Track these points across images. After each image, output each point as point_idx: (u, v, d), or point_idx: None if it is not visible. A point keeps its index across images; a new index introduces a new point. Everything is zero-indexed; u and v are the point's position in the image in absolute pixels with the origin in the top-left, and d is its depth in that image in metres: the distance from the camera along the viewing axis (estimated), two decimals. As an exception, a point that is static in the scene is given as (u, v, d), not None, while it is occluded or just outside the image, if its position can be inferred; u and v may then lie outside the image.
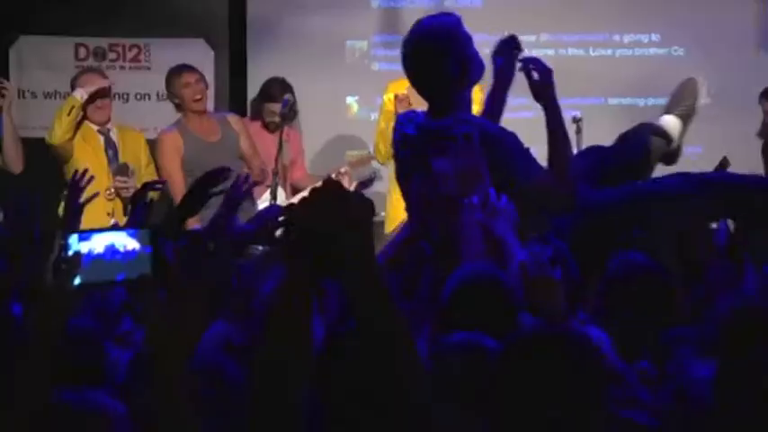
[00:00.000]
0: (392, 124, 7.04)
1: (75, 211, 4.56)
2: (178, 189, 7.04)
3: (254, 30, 8.79)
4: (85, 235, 2.47)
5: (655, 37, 8.72)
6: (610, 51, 8.74)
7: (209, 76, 8.28)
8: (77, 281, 2.43)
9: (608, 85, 8.32)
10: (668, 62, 8.55)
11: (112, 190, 7.34)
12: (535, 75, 4.73)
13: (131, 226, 2.64)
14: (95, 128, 7.46)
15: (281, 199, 7.41)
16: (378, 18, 8.52)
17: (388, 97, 7.30)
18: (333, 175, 7.67)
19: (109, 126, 7.52)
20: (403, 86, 7.14)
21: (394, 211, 6.59)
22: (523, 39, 8.63)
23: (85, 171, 4.86)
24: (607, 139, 8.05)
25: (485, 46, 8.73)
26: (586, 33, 8.73)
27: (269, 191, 7.34)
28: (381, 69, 7.67)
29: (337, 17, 8.75)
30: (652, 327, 3.54)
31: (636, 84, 7.99)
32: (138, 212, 4.69)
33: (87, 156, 7.29)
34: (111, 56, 8.78)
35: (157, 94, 8.51)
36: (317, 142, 8.45)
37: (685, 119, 5.63)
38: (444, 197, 4.23)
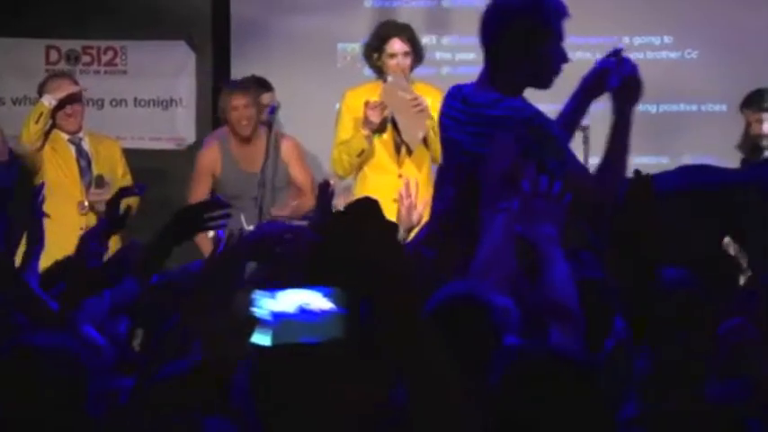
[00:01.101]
0: (364, 132, 6.87)
1: (37, 228, 4.21)
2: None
3: (239, 31, 8.58)
4: (276, 292, 2.40)
5: (667, 39, 8.54)
6: (619, 55, 8.40)
7: (191, 80, 8.23)
8: (266, 341, 2.38)
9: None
10: (682, 65, 8.41)
11: (86, 204, 7.24)
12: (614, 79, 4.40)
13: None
14: (66, 137, 7.35)
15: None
16: (371, 19, 8.22)
17: (350, 104, 7.00)
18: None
19: (81, 135, 7.38)
20: (365, 93, 6.86)
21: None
22: (526, 41, 8.58)
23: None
24: None
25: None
26: (594, 36, 8.46)
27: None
28: (374, 74, 7.32)
29: (328, 18, 8.54)
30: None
31: (648, 89, 7.43)
32: (101, 224, 4.36)
33: (57, 167, 7.24)
34: (85, 59, 8.57)
35: (135, 100, 8.42)
36: (305, 150, 8.07)
37: None
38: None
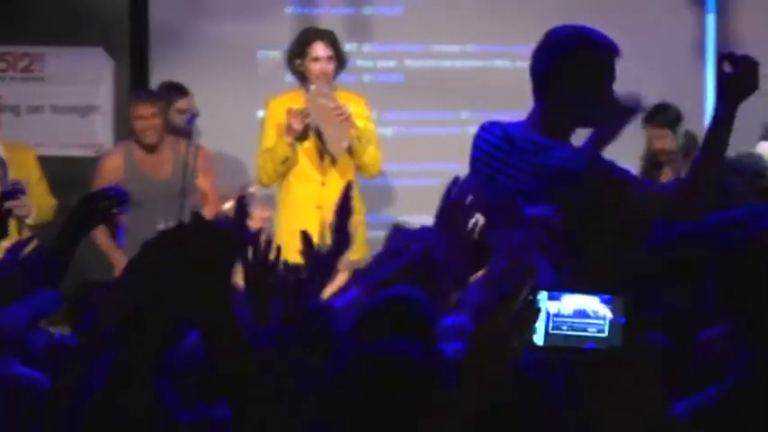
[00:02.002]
0: (287, 140, 6.84)
1: None
2: None
3: (158, 37, 8.51)
4: (556, 294, 2.32)
5: (586, 48, 8.46)
6: (538, 63, 8.42)
7: (109, 87, 8.14)
8: (540, 342, 2.30)
9: (536, 98, 7.96)
10: None
11: (1, 211, 6.94)
12: (728, 68, 3.98)
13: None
14: (-22, 146, 7.26)
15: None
16: (292, 26, 8.16)
17: (273, 112, 6.98)
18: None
19: (-6, 143, 7.31)
20: (287, 102, 6.84)
21: (285, 237, 6.08)
22: (447, 49, 8.61)
23: None
24: None
25: (405, 56, 8.60)
26: (513, 44, 8.49)
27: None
28: (294, 82, 7.28)
29: (248, 25, 8.49)
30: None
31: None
32: None
33: (-29, 176, 7.11)
34: (1, 65, 8.45)
35: (52, 107, 8.32)
36: (224, 159, 8.03)
37: None
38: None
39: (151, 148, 7.21)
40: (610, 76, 4.04)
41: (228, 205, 6.56)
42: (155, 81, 8.16)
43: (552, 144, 3.91)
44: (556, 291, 2.32)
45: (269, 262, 3.54)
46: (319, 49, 6.90)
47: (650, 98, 7.76)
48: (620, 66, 4.11)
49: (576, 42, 4.07)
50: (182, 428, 2.68)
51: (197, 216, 2.29)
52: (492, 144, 4.08)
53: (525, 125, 4.07)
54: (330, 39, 6.96)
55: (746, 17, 8.48)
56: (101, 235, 7.08)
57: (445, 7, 8.51)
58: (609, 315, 2.30)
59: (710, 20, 8.54)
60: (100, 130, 8.22)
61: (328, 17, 8.22)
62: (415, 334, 3.11)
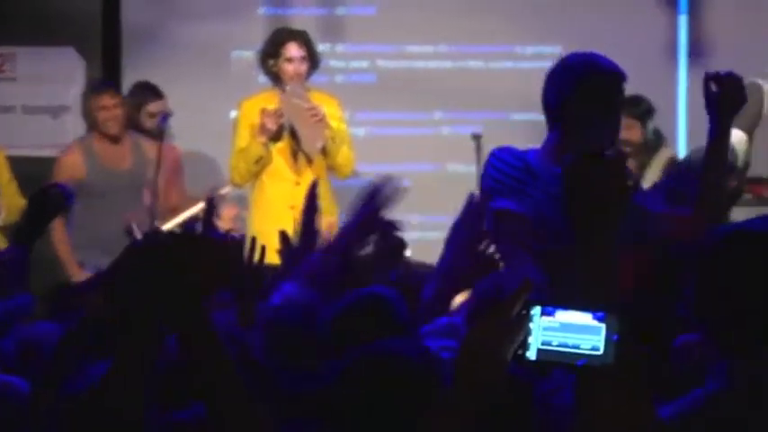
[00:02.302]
0: (261, 140, 6.83)
1: None
2: None
3: (130, 38, 8.47)
4: (550, 309, 2.31)
5: (557, 49, 8.50)
6: (511, 64, 8.49)
7: (80, 88, 8.08)
8: (533, 357, 2.28)
9: (509, 99, 8.04)
10: None
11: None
12: (713, 86, 4.02)
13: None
14: (-50, 146, 7.23)
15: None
16: (265, 27, 8.14)
17: (246, 113, 6.96)
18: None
19: (-37, 144, 7.27)
20: (261, 102, 6.83)
21: (259, 237, 6.05)
22: (420, 50, 8.61)
23: None
24: None
25: (378, 57, 8.60)
26: (486, 45, 8.51)
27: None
28: (268, 82, 7.26)
29: (221, 25, 8.46)
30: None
31: (539, 98, 7.65)
32: None
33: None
34: None
35: (23, 108, 8.29)
36: (197, 159, 7.99)
37: (751, 132, 5.18)
38: None
39: (113, 140, 7.18)
40: (620, 101, 4.07)
41: (197, 208, 6.55)
42: (127, 81, 8.13)
43: None
44: (549, 306, 2.32)
45: (252, 263, 3.53)
46: (293, 50, 6.89)
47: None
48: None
49: (588, 69, 4.04)
50: (176, 428, 2.67)
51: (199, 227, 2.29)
52: (512, 176, 4.07)
53: (542, 154, 4.07)
54: (303, 39, 6.96)
55: (718, 18, 8.50)
56: (60, 244, 7.05)
57: (418, 8, 8.50)
58: (603, 331, 2.29)
59: (683, 20, 8.56)
60: (71, 131, 8.15)
61: (301, 18, 8.20)
62: (390, 332, 3.13)
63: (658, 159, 7.30)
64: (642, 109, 7.37)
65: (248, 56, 8.37)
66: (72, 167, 7.13)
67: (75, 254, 7.11)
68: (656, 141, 7.31)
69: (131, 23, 8.46)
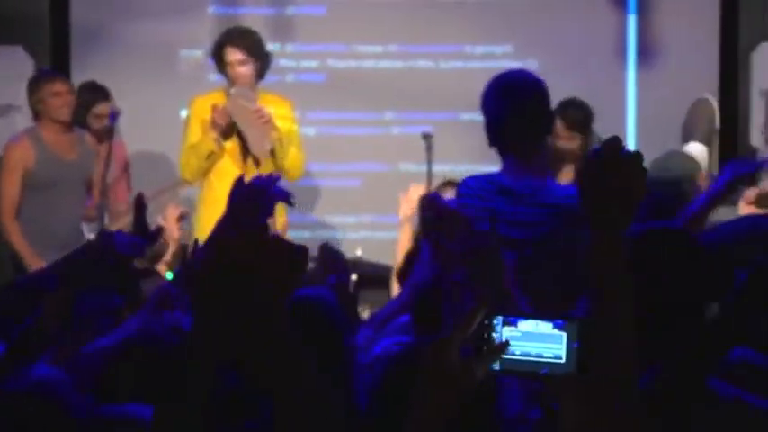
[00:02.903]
0: (212, 135, 6.81)
1: None
2: (7, 204, 7.02)
3: (79, 36, 8.43)
4: (512, 319, 2.32)
5: (508, 48, 8.54)
6: (461, 63, 8.51)
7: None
8: (497, 367, 2.29)
9: (459, 99, 8.05)
10: None
11: None
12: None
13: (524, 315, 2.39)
14: None
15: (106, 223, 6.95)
16: (214, 26, 8.12)
17: (197, 110, 6.91)
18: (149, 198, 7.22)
19: None
20: (212, 100, 6.80)
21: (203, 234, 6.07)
22: (370, 50, 8.61)
23: None
24: (457, 157, 7.84)
25: (328, 56, 8.59)
26: (436, 45, 8.52)
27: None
28: (218, 81, 7.23)
29: (170, 24, 8.45)
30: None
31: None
32: None
33: None
34: None
35: None
36: (146, 158, 7.97)
37: (709, 144, 5.31)
38: None
39: (62, 128, 7.11)
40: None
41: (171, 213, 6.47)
42: (76, 80, 8.02)
43: (546, 185, 4.15)
44: (511, 316, 2.32)
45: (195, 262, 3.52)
46: (231, 54, 6.83)
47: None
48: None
49: (524, 87, 4.25)
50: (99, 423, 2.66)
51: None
52: (490, 200, 4.15)
53: (508, 174, 4.21)
54: (246, 42, 6.86)
55: (667, 18, 8.56)
56: (14, 236, 7.01)
57: (368, 8, 8.51)
58: (564, 339, 2.29)
59: (632, 21, 8.61)
60: (20, 130, 8.12)
61: (251, 17, 8.18)
62: (324, 333, 3.13)
63: None
64: (580, 117, 7.39)
65: (197, 55, 8.35)
66: (22, 158, 7.06)
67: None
68: (594, 144, 7.35)
69: (80, 22, 8.41)
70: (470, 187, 4.22)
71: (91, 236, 6.80)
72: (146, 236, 3.63)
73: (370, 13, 8.50)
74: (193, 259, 3.60)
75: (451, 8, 8.50)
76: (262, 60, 6.90)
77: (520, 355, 2.29)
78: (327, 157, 8.32)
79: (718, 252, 3.42)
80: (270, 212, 3.80)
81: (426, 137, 7.34)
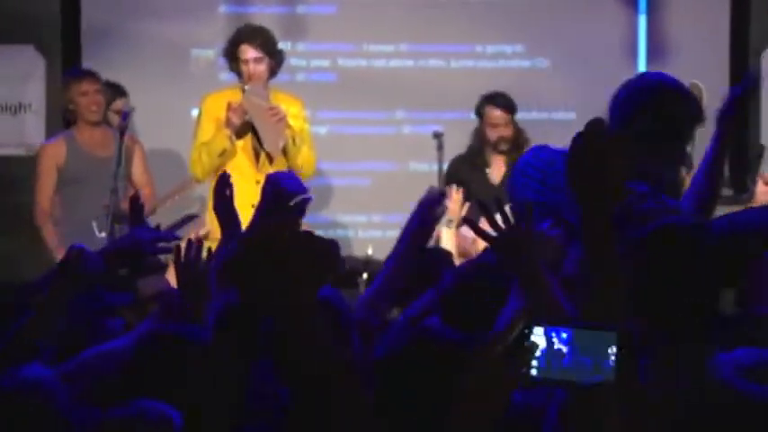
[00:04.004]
0: (227, 132, 6.81)
1: None
2: (43, 198, 7.11)
3: (90, 36, 8.42)
4: (553, 328, 2.34)
5: (518, 48, 8.55)
6: (472, 63, 8.52)
7: (41, 86, 8.03)
8: (534, 374, 2.32)
9: (470, 98, 8.01)
10: (532, 74, 8.46)
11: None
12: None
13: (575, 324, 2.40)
14: None
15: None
16: (225, 25, 8.11)
17: (209, 108, 6.90)
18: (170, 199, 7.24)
19: None
20: (225, 98, 6.80)
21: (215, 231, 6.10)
22: (381, 49, 8.61)
23: None
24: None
25: (339, 55, 8.59)
26: (448, 44, 8.54)
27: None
28: (228, 80, 7.24)
29: (181, 23, 8.45)
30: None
31: (500, 96, 7.72)
32: None
33: None
34: None
35: None
36: (158, 158, 7.97)
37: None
38: None
39: (94, 125, 7.15)
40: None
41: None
42: (87, 79, 8.11)
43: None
44: (552, 325, 2.35)
45: (200, 263, 3.52)
46: (247, 52, 6.84)
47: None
48: None
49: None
50: (110, 424, 2.66)
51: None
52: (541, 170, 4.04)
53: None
54: (260, 39, 6.88)
55: (677, 18, 8.55)
56: (49, 236, 7.03)
57: (379, 6, 8.50)
58: (605, 349, 2.31)
59: (642, 20, 8.60)
60: (31, 129, 8.13)
61: (261, 16, 8.15)
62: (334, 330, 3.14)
63: None
64: (511, 103, 7.45)
65: (208, 54, 8.36)
66: (54, 155, 7.11)
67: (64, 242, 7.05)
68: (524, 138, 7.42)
69: (92, 21, 8.40)
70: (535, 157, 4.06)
71: (102, 235, 6.80)
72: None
73: (381, 13, 8.49)
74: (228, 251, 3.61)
75: (462, 7, 8.50)
76: (275, 58, 6.92)
77: (559, 364, 2.31)
78: (338, 156, 8.32)
79: (730, 240, 3.41)
80: (303, 212, 3.84)
81: (437, 136, 7.34)
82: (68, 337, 3.31)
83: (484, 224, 3.33)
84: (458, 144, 7.57)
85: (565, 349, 2.31)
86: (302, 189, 3.82)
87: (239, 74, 6.91)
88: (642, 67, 8.51)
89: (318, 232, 3.96)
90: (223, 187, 4.05)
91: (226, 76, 7.36)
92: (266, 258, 2.16)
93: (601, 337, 2.31)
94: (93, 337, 3.44)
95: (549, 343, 2.31)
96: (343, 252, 4.31)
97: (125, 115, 7.12)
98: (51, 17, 8.36)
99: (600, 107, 7.78)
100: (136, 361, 2.94)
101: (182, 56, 8.43)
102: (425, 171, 7.89)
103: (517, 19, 8.55)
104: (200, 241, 3.56)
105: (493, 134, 7.43)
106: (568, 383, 2.33)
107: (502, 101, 7.45)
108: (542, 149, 4.07)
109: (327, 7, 8.58)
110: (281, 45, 7.16)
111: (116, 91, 7.49)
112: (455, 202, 6.52)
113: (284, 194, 3.80)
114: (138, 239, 3.64)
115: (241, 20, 8.06)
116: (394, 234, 4.12)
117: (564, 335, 2.32)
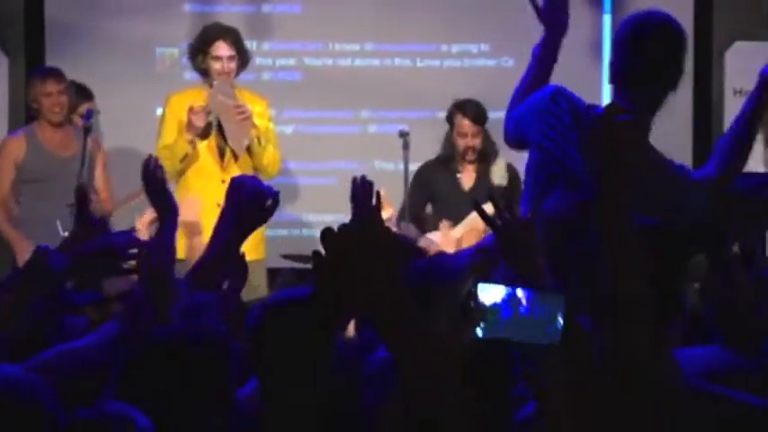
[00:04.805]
0: (187, 137, 6.80)
1: None
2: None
3: (54, 34, 8.38)
4: (490, 286, 2.33)
5: (484, 47, 8.55)
6: (437, 62, 8.54)
7: (3, 85, 8.05)
8: (480, 334, 2.30)
9: (436, 97, 8.04)
10: (498, 73, 8.42)
11: None
12: None
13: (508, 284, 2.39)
14: None
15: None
16: (190, 24, 8.09)
17: (174, 108, 6.88)
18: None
19: None
20: (189, 98, 6.78)
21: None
22: (346, 48, 8.61)
23: None
24: (434, 155, 7.83)
25: (304, 55, 8.58)
26: (413, 43, 8.54)
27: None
28: (194, 79, 7.22)
29: (146, 22, 8.43)
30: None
31: (465, 96, 7.72)
32: None
33: None
34: None
35: None
36: (123, 157, 7.94)
37: None
38: None
39: (57, 126, 7.13)
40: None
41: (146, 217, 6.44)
42: (51, 78, 8.06)
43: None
44: (496, 284, 2.35)
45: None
46: (221, 49, 6.84)
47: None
48: None
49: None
50: (79, 426, 2.65)
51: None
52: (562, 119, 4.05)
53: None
54: (233, 38, 6.90)
55: (642, 18, 8.57)
56: (3, 224, 7.04)
57: (344, 6, 8.50)
58: (548, 309, 2.32)
59: (607, 20, 8.63)
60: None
61: (227, 14, 8.14)
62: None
63: (498, 166, 7.45)
64: (482, 111, 7.46)
65: (173, 52, 8.33)
66: (15, 150, 7.11)
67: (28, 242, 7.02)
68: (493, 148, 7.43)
69: (55, 19, 8.36)
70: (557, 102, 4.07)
71: (66, 234, 6.76)
72: (87, 230, 3.62)
73: (346, 12, 8.49)
74: None
75: (428, 7, 8.50)
76: (243, 58, 6.93)
77: (505, 324, 2.31)
78: (304, 155, 8.31)
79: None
80: (272, 213, 3.83)
81: (403, 135, 7.35)
82: (30, 334, 3.29)
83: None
84: (424, 143, 7.57)
85: (514, 309, 2.32)
86: (269, 188, 3.82)
87: (204, 72, 6.89)
88: (607, 66, 8.53)
89: (283, 231, 3.97)
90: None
91: (191, 74, 7.33)
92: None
93: (550, 300, 2.32)
94: (56, 335, 3.42)
95: (498, 303, 2.32)
96: (309, 251, 4.30)
97: (89, 113, 7.10)
98: (14, 15, 8.32)
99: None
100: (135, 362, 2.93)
101: (146, 54, 8.41)
102: (391, 170, 7.89)
103: (483, 18, 8.56)
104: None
105: (461, 143, 7.45)
106: (513, 344, 2.34)
107: (472, 111, 7.43)
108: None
109: (292, 6, 8.57)
110: (246, 44, 7.15)
111: (82, 94, 7.45)
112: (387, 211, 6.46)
113: (261, 195, 3.78)
114: (114, 243, 3.61)
115: (206, 18, 8.05)
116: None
117: (514, 295, 2.33)
